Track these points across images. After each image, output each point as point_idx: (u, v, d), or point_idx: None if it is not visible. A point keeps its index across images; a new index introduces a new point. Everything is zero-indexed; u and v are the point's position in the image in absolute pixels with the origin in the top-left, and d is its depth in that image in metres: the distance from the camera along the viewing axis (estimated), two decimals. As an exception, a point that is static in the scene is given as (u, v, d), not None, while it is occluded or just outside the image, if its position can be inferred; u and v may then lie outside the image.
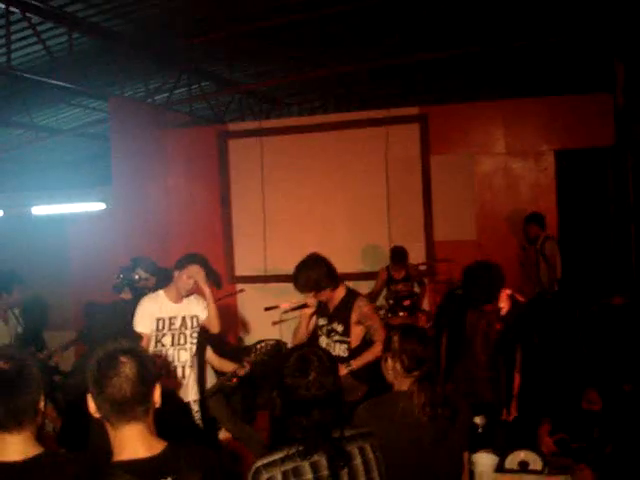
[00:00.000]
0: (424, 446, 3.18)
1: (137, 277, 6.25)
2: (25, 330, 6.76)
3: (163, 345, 5.25)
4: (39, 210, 10.47)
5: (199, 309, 5.41)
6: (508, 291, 5.24)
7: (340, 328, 5.08)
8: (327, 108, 14.57)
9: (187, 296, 5.38)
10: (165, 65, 10.50)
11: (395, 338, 3.39)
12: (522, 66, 11.86)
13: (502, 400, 4.98)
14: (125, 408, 2.24)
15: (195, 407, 5.40)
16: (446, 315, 5.69)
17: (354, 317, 5.03)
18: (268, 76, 12.06)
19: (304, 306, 5.11)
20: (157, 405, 2.35)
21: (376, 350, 4.79)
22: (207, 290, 5.30)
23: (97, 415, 2.30)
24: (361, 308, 5.05)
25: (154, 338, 5.24)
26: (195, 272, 5.23)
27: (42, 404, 2.43)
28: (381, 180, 9.62)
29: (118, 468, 2.20)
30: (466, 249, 9.04)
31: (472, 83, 13.05)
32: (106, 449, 2.32)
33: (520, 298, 5.29)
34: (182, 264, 5.28)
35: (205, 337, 5.87)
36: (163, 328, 5.26)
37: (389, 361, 3.38)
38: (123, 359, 2.25)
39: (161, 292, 5.37)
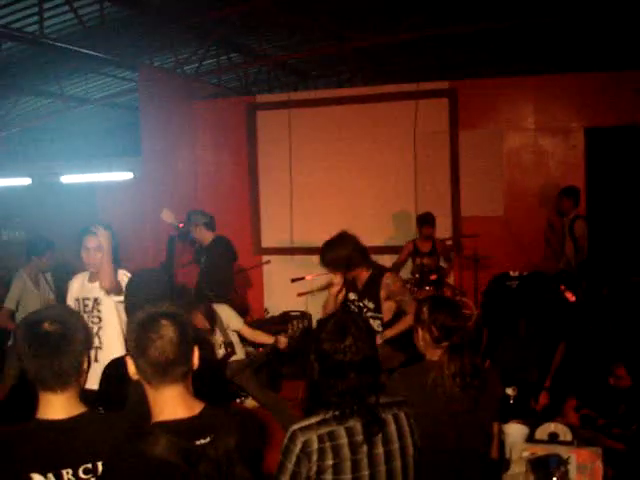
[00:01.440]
0: (454, 415, 3.22)
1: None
2: (57, 296, 6.88)
3: None
4: (68, 179, 10.54)
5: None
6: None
7: (371, 305, 5.11)
8: (355, 81, 14.51)
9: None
10: (194, 36, 10.50)
11: (424, 309, 3.42)
12: (553, 42, 11.74)
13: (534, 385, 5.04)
14: (167, 370, 2.29)
15: None
16: (493, 302, 5.71)
17: (383, 294, 5.06)
18: (297, 48, 12.02)
19: (329, 285, 5.08)
20: (195, 367, 2.40)
21: (408, 320, 4.84)
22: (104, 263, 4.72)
23: (136, 377, 2.35)
24: (389, 285, 5.07)
25: None
26: (91, 246, 4.85)
27: (85, 365, 2.49)
28: (409, 154, 9.60)
29: (158, 428, 2.24)
30: (493, 225, 9.05)
31: (502, 58, 12.94)
32: (145, 410, 2.38)
33: (571, 297, 5.29)
34: (80, 239, 4.91)
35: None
36: (78, 309, 4.84)
37: (419, 332, 3.42)
38: (164, 322, 2.30)
39: (86, 272, 5.00)
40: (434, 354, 3.36)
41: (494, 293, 6.26)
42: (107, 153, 12.42)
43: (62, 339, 2.38)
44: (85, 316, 4.76)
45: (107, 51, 9.13)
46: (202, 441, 2.21)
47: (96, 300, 4.89)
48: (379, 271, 5.18)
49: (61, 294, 7.08)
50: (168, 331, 2.29)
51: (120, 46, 9.66)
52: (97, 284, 4.84)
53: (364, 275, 5.15)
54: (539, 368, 5.14)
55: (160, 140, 9.69)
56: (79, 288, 4.98)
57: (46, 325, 2.38)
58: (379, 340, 4.79)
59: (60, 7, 8.42)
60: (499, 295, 6.17)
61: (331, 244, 5.06)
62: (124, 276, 4.86)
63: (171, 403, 2.31)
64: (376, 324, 5.08)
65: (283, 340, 5.74)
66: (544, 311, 5.27)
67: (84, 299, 4.93)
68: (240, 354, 6.21)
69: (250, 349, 6.78)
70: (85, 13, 8.73)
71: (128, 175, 10.12)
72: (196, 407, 2.34)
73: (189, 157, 10.54)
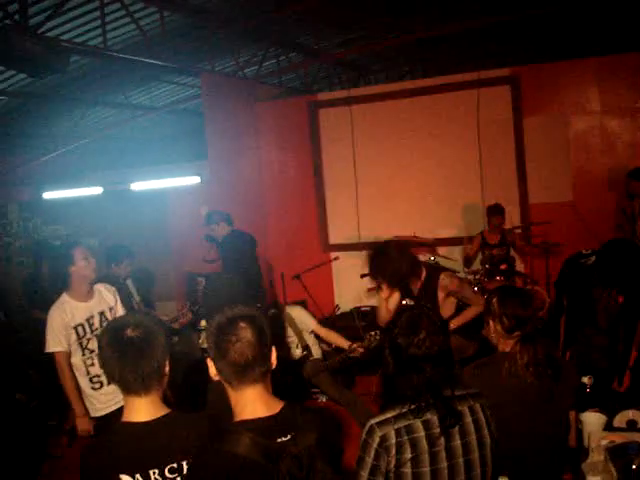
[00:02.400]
0: (530, 406, 3.21)
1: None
2: (141, 299, 7.10)
3: (92, 351, 4.71)
4: (137, 186, 10.76)
5: (111, 297, 5.00)
6: None
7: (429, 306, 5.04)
8: (415, 73, 14.44)
9: (92, 290, 4.89)
10: (254, 39, 10.60)
11: (494, 300, 3.41)
12: (614, 21, 11.49)
13: (616, 369, 4.91)
14: (246, 371, 2.34)
15: None
16: (569, 283, 5.56)
17: (441, 295, 4.97)
18: (355, 43, 12.03)
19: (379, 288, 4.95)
20: (274, 366, 2.45)
21: (472, 311, 4.82)
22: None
23: (217, 378, 2.41)
24: (447, 287, 4.96)
25: (79, 348, 4.73)
26: (85, 251, 4.82)
27: (167, 368, 2.57)
28: (473, 144, 9.52)
29: (240, 427, 2.31)
30: (562, 211, 8.92)
31: (563, 41, 12.72)
32: (224, 409, 2.44)
33: None
34: (70, 256, 4.77)
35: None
36: (85, 334, 4.75)
37: (490, 323, 3.41)
38: (243, 324, 2.35)
39: (65, 296, 4.79)
40: (506, 345, 3.36)
41: (569, 276, 6.02)
42: (174, 159, 12.63)
43: (144, 344, 2.47)
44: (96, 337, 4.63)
45: (169, 59, 9.29)
46: (283, 439, 2.27)
47: (102, 314, 4.86)
48: (434, 272, 5.05)
49: (143, 298, 7.31)
50: (246, 333, 2.34)
51: (181, 53, 9.82)
52: (95, 300, 4.86)
53: (418, 282, 5.06)
54: (625, 344, 4.98)
55: (225, 143, 9.82)
56: (67, 316, 4.72)
57: (129, 331, 2.47)
58: None
59: (122, 19, 8.61)
60: (575, 277, 5.90)
61: (380, 257, 4.85)
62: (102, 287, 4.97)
63: (251, 403, 2.37)
64: None
65: (358, 350, 5.75)
66: (632, 278, 5.00)
67: (88, 320, 4.79)
68: (316, 354, 6.27)
69: (324, 346, 6.82)
70: (146, 23, 8.90)
71: (195, 179, 10.28)
72: (276, 406, 2.40)
73: (254, 158, 10.66)
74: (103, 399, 4.76)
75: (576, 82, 9.33)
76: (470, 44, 12.58)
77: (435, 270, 5.12)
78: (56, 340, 4.66)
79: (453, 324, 4.94)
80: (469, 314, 4.94)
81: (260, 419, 2.34)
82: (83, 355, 4.73)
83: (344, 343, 5.94)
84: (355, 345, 5.77)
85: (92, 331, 4.76)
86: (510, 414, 3.16)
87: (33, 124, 12.74)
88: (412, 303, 5.02)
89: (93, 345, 4.68)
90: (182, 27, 9.44)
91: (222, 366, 2.37)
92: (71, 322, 4.71)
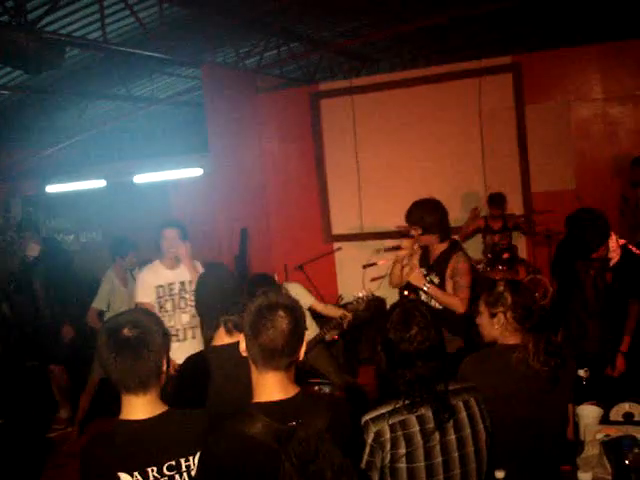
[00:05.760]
0: (532, 398, 3.20)
1: None
2: None
3: (166, 310, 5.53)
4: (140, 178, 10.77)
5: (192, 273, 5.58)
6: (622, 241, 5.06)
7: (437, 280, 5.03)
8: (418, 62, 14.38)
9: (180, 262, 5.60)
10: (254, 29, 10.57)
11: (505, 292, 3.38)
12: (616, 8, 11.40)
13: (608, 354, 4.89)
14: (273, 357, 2.40)
15: None
16: (557, 265, 5.54)
17: (448, 271, 4.95)
18: (357, 33, 11.98)
19: (398, 248, 5.03)
20: (300, 359, 2.50)
21: (454, 300, 4.81)
22: (182, 249, 5.53)
23: (245, 354, 2.48)
24: (457, 263, 4.92)
25: (157, 305, 5.51)
26: (170, 236, 5.54)
27: (165, 366, 2.58)
28: (475, 132, 9.48)
29: (256, 408, 2.38)
30: (565, 199, 8.87)
31: (565, 28, 12.64)
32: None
33: (636, 251, 5.09)
34: (159, 232, 5.60)
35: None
36: (164, 295, 5.56)
37: (499, 316, 3.37)
38: (282, 313, 2.41)
39: (157, 262, 5.68)
40: (511, 337, 3.34)
41: (557, 258, 5.98)
42: (176, 151, 12.62)
43: (141, 344, 2.47)
44: (172, 300, 5.57)
45: (169, 51, 9.27)
46: (293, 423, 2.31)
47: (182, 284, 5.59)
48: (453, 247, 5.07)
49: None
50: (283, 322, 2.39)
51: (181, 45, 9.79)
52: (179, 270, 5.60)
53: (439, 248, 5.09)
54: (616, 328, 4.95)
55: (226, 135, 9.80)
56: (155, 277, 5.59)
57: (125, 331, 2.47)
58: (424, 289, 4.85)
59: (120, 12, 8.59)
60: (561, 257, 5.89)
61: (423, 204, 5.04)
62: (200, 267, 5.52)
63: (270, 386, 2.43)
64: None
65: (347, 314, 5.82)
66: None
67: (169, 284, 5.59)
68: (312, 332, 6.23)
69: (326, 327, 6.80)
70: (145, 16, 8.88)
71: (198, 171, 10.28)
72: (291, 391, 2.45)
73: (256, 149, 10.64)
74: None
75: (578, 69, 9.27)
76: (472, 32, 12.52)
77: (455, 246, 5.10)
78: (144, 293, 5.55)
79: (429, 289, 4.90)
80: (447, 298, 4.89)
81: (275, 402, 2.40)
82: (159, 312, 5.40)
83: (339, 312, 6.00)
84: (345, 311, 5.82)
85: (170, 295, 5.57)
86: (510, 407, 3.15)
87: (35, 118, 12.75)
88: (425, 272, 5.05)
89: (168, 306, 5.54)
90: (181, 18, 9.41)
91: (252, 346, 2.43)
92: (155, 282, 5.56)
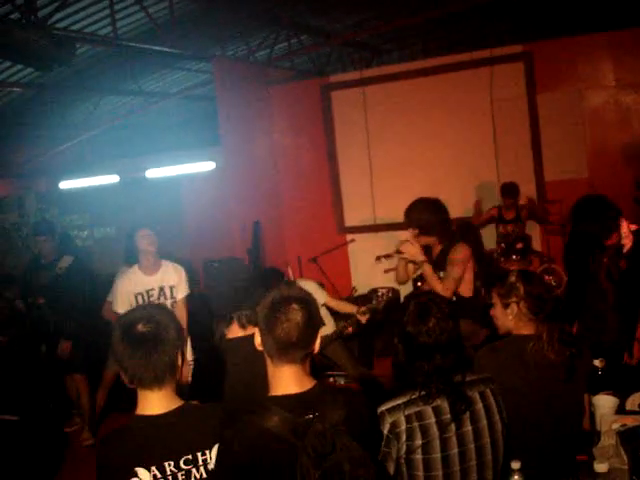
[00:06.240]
0: (547, 388, 3.19)
1: None
2: None
3: None
4: (152, 173, 10.80)
5: (175, 277, 5.58)
6: (633, 226, 5.01)
7: (441, 274, 5.04)
8: (429, 52, 14.32)
9: (158, 266, 5.55)
10: (264, 22, 10.56)
11: (518, 283, 3.37)
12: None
13: (624, 342, 4.85)
14: (288, 350, 2.41)
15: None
16: (569, 255, 5.48)
17: (447, 261, 4.95)
18: (366, 24, 11.95)
19: (392, 255, 5.05)
20: (315, 352, 2.51)
21: (437, 286, 4.80)
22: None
23: (261, 348, 2.49)
24: (453, 253, 4.88)
25: None
26: (147, 234, 5.44)
27: (180, 361, 2.58)
28: (487, 122, 9.46)
29: (272, 402, 2.38)
30: (578, 188, 8.80)
31: (577, 16, 12.55)
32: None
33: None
34: (131, 235, 5.49)
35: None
36: (144, 302, 5.40)
37: (512, 306, 3.35)
38: (295, 306, 2.41)
39: (135, 267, 5.57)
40: (525, 327, 3.33)
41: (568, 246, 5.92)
42: (188, 145, 12.65)
43: (156, 339, 2.47)
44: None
45: (179, 46, 9.28)
46: (310, 416, 2.32)
47: (161, 289, 5.52)
48: (454, 240, 5.03)
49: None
50: (297, 315, 2.40)
51: (192, 40, 9.80)
52: (158, 275, 5.52)
53: (438, 247, 5.09)
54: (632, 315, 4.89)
55: (238, 128, 9.81)
56: (132, 284, 5.48)
57: (140, 326, 2.47)
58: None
59: (131, 7, 8.60)
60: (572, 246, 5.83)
61: (421, 204, 4.98)
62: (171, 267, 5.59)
63: (286, 379, 2.43)
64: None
65: (364, 313, 5.78)
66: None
67: (147, 291, 5.48)
68: (329, 328, 6.23)
69: (340, 323, 6.80)
70: (155, 11, 8.89)
71: (210, 165, 10.30)
72: (307, 384, 2.45)
73: (267, 142, 10.65)
74: None
75: (590, 57, 9.22)
76: (482, 21, 12.45)
77: (454, 239, 5.07)
78: (119, 302, 5.42)
79: (423, 264, 4.90)
80: (432, 282, 4.87)
81: (291, 396, 2.40)
82: None
83: (354, 309, 5.95)
84: (364, 308, 5.78)
85: (149, 301, 5.40)
86: (527, 398, 3.15)
87: (48, 115, 12.79)
88: (427, 288, 5.04)
89: None
90: (192, 13, 9.42)
91: (267, 340, 2.43)
92: (133, 290, 5.43)
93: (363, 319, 5.70)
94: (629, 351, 4.81)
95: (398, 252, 5.02)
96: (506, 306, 3.38)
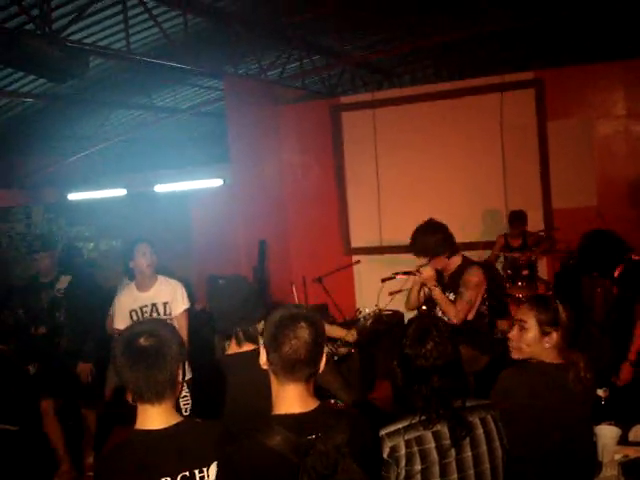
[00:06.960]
0: (571, 416, 3.18)
1: None
2: None
3: None
4: (161, 188, 10.81)
5: (168, 293, 5.57)
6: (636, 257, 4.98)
7: (452, 297, 5.04)
8: (440, 76, 14.37)
9: (153, 282, 5.56)
10: (277, 41, 10.61)
11: (562, 313, 3.33)
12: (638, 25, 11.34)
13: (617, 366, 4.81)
14: (295, 369, 2.41)
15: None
16: (562, 284, 5.53)
17: (461, 283, 4.99)
18: (379, 46, 11.99)
19: (414, 273, 5.08)
20: (321, 370, 2.51)
21: (451, 309, 4.81)
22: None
23: (266, 367, 2.49)
24: (468, 275, 4.98)
25: None
26: (147, 250, 5.48)
27: (180, 377, 2.58)
28: (497, 148, 9.47)
29: (275, 421, 2.37)
30: (586, 216, 8.80)
31: (589, 45, 12.59)
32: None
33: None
34: (131, 249, 5.53)
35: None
36: (138, 319, 5.41)
37: (552, 335, 3.31)
38: (303, 324, 2.42)
39: (132, 284, 5.64)
40: (555, 356, 3.30)
41: (560, 277, 5.95)
42: (197, 161, 12.67)
43: (157, 354, 2.47)
44: None
45: (192, 62, 9.32)
46: (313, 436, 2.32)
47: (154, 305, 5.51)
48: (468, 263, 5.13)
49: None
50: (304, 333, 2.41)
51: (204, 56, 9.83)
52: (151, 292, 5.53)
53: (453, 265, 5.11)
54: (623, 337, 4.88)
55: (247, 146, 9.83)
56: (130, 300, 5.53)
57: (142, 340, 2.47)
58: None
59: (145, 22, 8.64)
60: (565, 277, 5.85)
61: (421, 229, 5.11)
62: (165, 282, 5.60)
63: (290, 398, 2.43)
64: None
65: (352, 333, 5.77)
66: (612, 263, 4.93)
67: (141, 307, 5.50)
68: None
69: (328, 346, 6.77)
70: (169, 27, 8.93)
71: (218, 182, 10.31)
72: (311, 404, 2.45)
73: (276, 161, 10.67)
74: None
75: (601, 86, 9.24)
76: (495, 47, 12.49)
77: (469, 262, 5.18)
78: (118, 318, 5.48)
79: (434, 289, 4.94)
80: (445, 306, 4.90)
81: (294, 415, 2.40)
82: None
83: (344, 332, 5.93)
84: (353, 330, 5.77)
85: (143, 318, 5.41)
86: (549, 423, 3.15)
87: (58, 126, 12.84)
88: (434, 314, 5.06)
89: None
90: (205, 30, 9.46)
91: (274, 358, 2.43)
92: (130, 306, 5.48)
93: (351, 338, 5.71)
94: (616, 372, 4.77)
95: (417, 272, 5.06)
96: (545, 333, 3.33)
